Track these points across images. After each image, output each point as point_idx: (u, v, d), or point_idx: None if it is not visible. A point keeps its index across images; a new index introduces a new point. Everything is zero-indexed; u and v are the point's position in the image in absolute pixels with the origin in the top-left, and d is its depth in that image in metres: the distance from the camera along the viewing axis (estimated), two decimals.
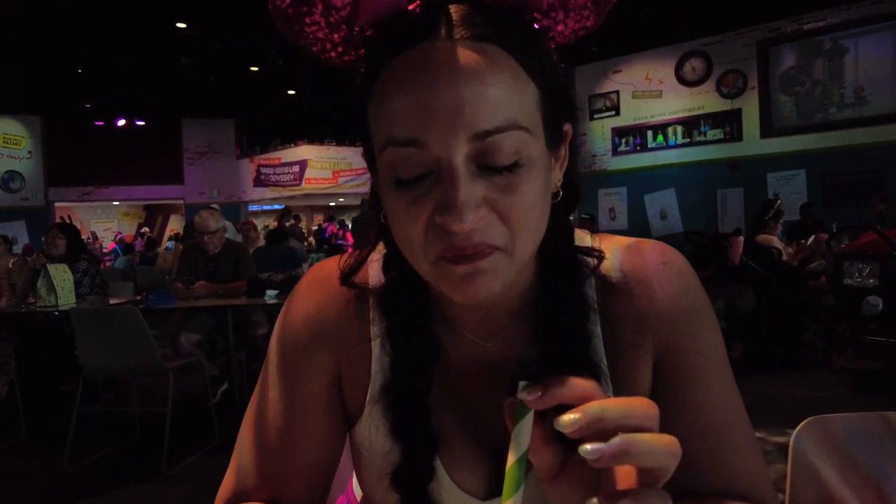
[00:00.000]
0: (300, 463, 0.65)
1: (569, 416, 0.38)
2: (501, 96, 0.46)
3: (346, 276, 0.64)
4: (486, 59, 0.47)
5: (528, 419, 0.40)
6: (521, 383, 0.41)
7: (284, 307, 0.68)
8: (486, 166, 0.48)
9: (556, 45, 0.55)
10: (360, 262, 0.65)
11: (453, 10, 0.49)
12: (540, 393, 0.40)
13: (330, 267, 0.67)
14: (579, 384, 0.40)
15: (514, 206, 0.48)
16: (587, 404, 0.38)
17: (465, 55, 0.47)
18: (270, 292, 3.94)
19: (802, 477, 0.94)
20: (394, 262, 0.61)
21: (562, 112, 0.55)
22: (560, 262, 0.59)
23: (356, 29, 0.51)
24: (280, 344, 0.67)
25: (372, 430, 0.63)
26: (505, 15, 0.49)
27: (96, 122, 11.76)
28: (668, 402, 0.58)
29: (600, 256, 0.61)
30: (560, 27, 0.53)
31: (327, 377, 0.65)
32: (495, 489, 0.61)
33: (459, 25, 0.48)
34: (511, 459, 0.41)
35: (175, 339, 4.00)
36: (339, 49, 0.53)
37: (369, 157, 0.55)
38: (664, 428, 0.56)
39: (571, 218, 0.61)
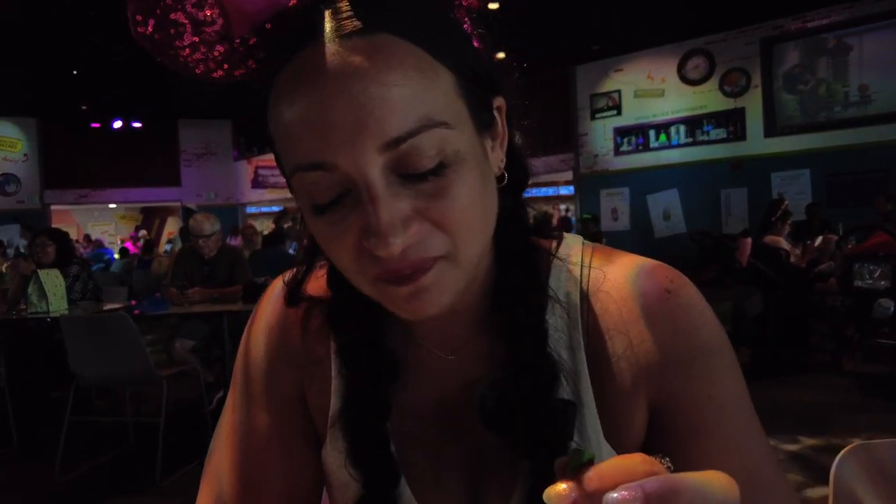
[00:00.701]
0: (275, 488, 0.60)
1: (619, 495, 0.28)
2: (407, 94, 0.40)
3: (292, 295, 0.59)
4: (383, 55, 0.40)
5: None
6: (577, 453, 0.32)
7: (248, 322, 0.65)
8: (408, 175, 0.41)
9: (467, 9, 0.48)
10: (301, 278, 0.59)
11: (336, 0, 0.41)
12: (574, 496, 0.30)
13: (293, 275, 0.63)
14: (642, 468, 0.30)
15: (448, 210, 0.43)
16: (646, 480, 0.28)
17: (356, 54, 0.40)
18: None
19: None
20: (338, 276, 0.54)
21: (488, 88, 0.48)
22: (512, 249, 0.53)
23: (237, 41, 0.44)
24: (244, 360, 0.63)
25: (334, 455, 0.58)
26: None
27: (92, 125, 11.70)
28: (681, 457, 0.50)
29: (559, 237, 0.57)
30: None
31: (293, 394, 0.61)
32: None
33: (345, 18, 0.41)
34: None
35: (170, 345, 3.94)
36: (225, 66, 0.46)
37: (284, 174, 0.48)
38: None
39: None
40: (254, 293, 4.00)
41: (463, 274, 0.46)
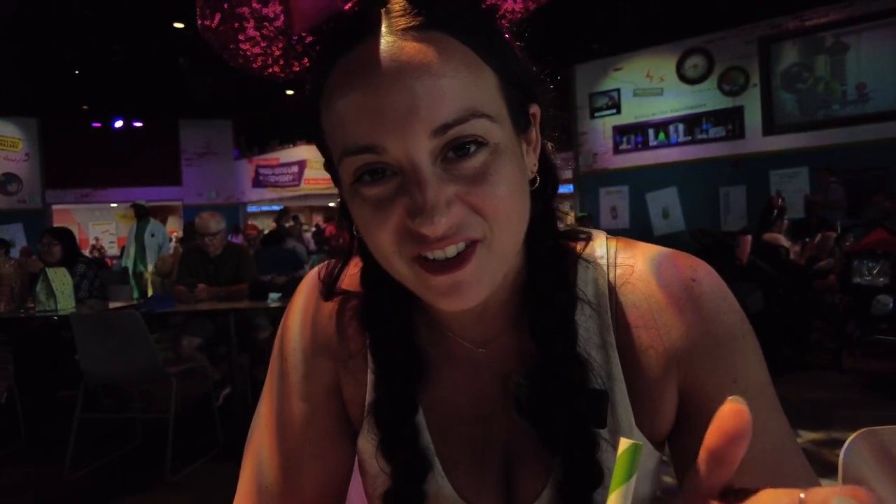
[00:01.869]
0: (312, 472, 0.62)
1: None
2: (456, 86, 0.44)
3: (328, 291, 0.62)
4: (435, 49, 0.44)
5: (632, 483, 0.32)
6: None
7: (285, 313, 0.67)
8: (450, 159, 0.45)
9: (509, 23, 0.52)
10: (336, 276, 0.62)
11: (393, 0, 0.45)
12: None
13: (327, 267, 0.66)
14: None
15: (487, 196, 0.46)
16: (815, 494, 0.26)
17: (411, 47, 0.43)
18: (273, 295, 3.89)
19: None
20: (371, 273, 0.58)
21: (526, 94, 0.51)
22: (543, 252, 0.56)
23: (294, 38, 0.48)
24: (279, 351, 0.65)
25: (366, 445, 0.61)
26: None
27: (93, 124, 11.69)
28: None
29: (587, 239, 0.59)
30: (509, 4, 0.50)
31: (329, 383, 0.63)
32: None
33: (400, 16, 0.44)
34: None
35: (176, 342, 3.95)
36: (281, 62, 0.50)
37: (331, 169, 0.52)
38: None
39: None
40: (260, 291, 4.03)
41: (499, 264, 0.49)
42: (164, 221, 15.09)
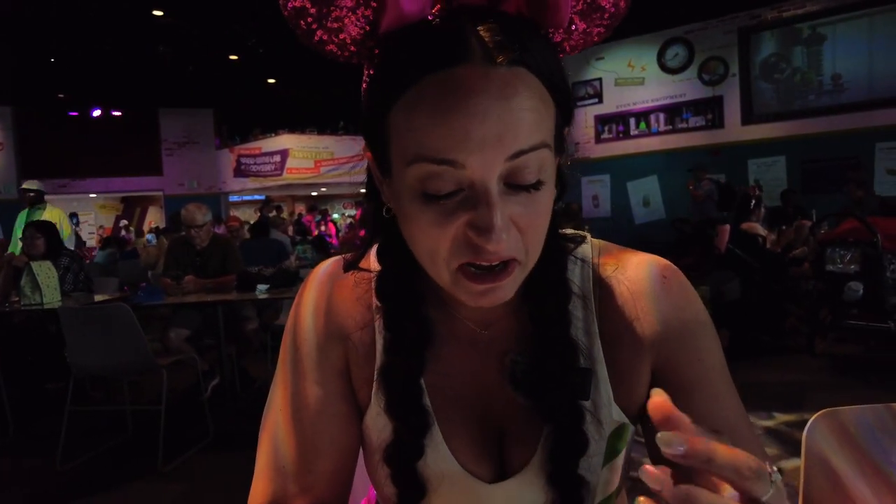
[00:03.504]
0: (327, 451, 0.67)
1: (673, 436, 0.37)
2: (534, 119, 0.49)
3: (352, 263, 0.67)
4: (522, 84, 0.49)
5: (622, 456, 0.37)
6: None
7: (294, 304, 0.72)
8: (513, 184, 0.50)
9: (567, 54, 0.58)
10: (363, 252, 0.67)
11: (483, 30, 0.49)
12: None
13: (334, 262, 0.71)
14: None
15: (532, 220, 0.52)
16: (698, 438, 0.37)
17: (502, 81, 0.48)
18: (261, 287, 3.91)
19: (816, 468, 0.97)
20: (388, 251, 0.64)
21: (567, 119, 0.57)
22: (547, 252, 0.61)
23: (380, 33, 0.51)
24: (294, 339, 0.70)
25: (375, 405, 0.66)
26: (530, 33, 0.51)
27: (70, 113, 11.49)
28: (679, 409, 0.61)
29: (581, 241, 0.67)
30: (574, 39, 0.56)
31: (340, 367, 0.68)
32: (500, 474, 0.64)
33: (494, 49, 0.48)
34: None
35: (164, 335, 3.96)
36: (352, 49, 0.54)
37: (382, 160, 0.56)
38: None
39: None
40: (248, 283, 4.05)
41: (525, 274, 0.56)
42: (144, 211, 14.95)
